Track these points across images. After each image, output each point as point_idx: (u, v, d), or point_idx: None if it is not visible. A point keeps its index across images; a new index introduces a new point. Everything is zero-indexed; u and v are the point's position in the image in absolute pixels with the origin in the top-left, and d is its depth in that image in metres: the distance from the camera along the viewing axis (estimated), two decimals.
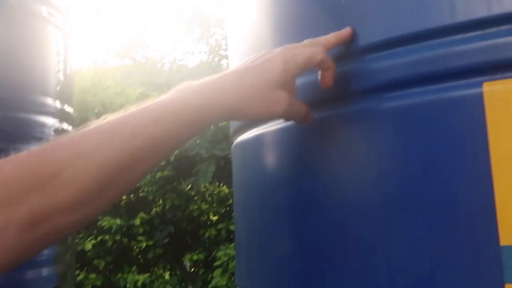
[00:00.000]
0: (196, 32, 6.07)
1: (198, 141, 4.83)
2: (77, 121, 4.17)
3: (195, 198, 5.31)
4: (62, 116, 1.80)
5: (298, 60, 0.70)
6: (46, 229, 0.57)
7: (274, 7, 0.87)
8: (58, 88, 1.77)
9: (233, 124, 1.07)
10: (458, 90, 0.62)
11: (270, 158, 0.89)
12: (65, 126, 1.83)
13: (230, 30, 1.10)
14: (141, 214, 4.87)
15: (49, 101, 1.73)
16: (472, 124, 0.60)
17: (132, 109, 0.64)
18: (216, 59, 6.01)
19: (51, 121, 1.73)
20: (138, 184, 4.94)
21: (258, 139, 0.91)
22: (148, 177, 4.79)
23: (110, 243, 4.83)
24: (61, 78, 1.78)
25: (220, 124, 4.65)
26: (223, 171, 4.89)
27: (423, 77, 0.65)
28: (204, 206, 5.26)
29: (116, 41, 5.79)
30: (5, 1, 1.54)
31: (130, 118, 0.63)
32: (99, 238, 4.81)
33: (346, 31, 0.72)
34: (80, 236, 4.79)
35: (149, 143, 0.62)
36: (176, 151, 4.78)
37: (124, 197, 5.04)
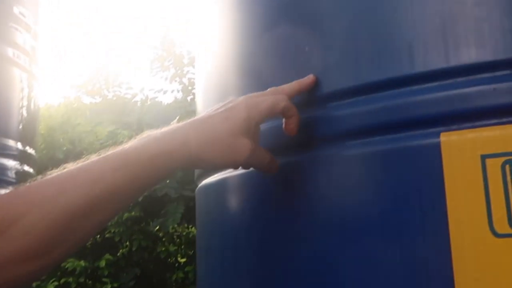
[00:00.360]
0: (170, 70, 6.09)
1: (167, 182, 4.79)
2: (44, 160, 4.09)
3: (163, 239, 5.23)
4: (23, 158, 1.77)
5: (261, 108, 0.70)
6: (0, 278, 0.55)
7: (239, 53, 0.88)
8: (20, 129, 1.75)
9: None
10: (416, 140, 0.63)
11: (233, 203, 0.88)
12: (26, 168, 1.80)
13: (197, 73, 1.11)
14: (107, 256, 4.76)
15: (11, 142, 1.70)
16: (429, 173, 0.61)
17: (93, 157, 0.64)
18: (189, 98, 6.03)
19: (11, 164, 1.70)
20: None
21: (221, 183, 0.91)
22: (115, 217, 4.70)
23: (73, 286, 4.69)
24: (24, 120, 1.76)
25: None
26: (192, 212, 4.83)
27: (382, 126, 0.66)
28: (172, 248, 5.17)
29: (86, 78, 5.76)
30: None
31: (90, 166, 0.62)
32: (62, 281, 4.67)
33: (309, 79, 0.73)
34: (43, 278, 4.65)
35: (109, 190, 0.61)
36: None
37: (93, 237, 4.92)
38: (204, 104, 1.01)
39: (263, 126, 0.76)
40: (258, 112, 0.70)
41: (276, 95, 0.72)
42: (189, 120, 0.70)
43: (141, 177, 0.64)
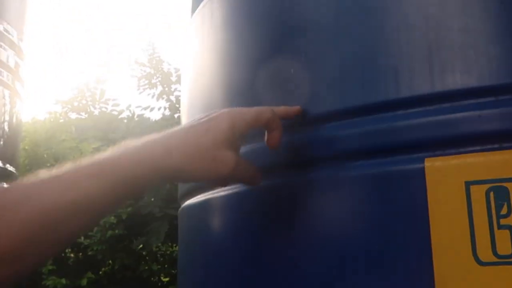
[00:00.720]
0: (157, 88, 6.07)
1: (152, 200, 4.75)
2: (28, 175, 4.06)
3: (146, 258, 5.17)
4: (3, 176, 1.74)
5: (246, 117, 0.68)
6: None
7: (226, 73, 0.88)
8: (0, 146, 1.72)
9: (181, 188, 1.05)
10: (400, 165, 0.63)
11: (216, 224, 0.87)
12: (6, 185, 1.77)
13: (182, 92, 1.10)
14: (89, 274, 4.70)
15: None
16: (413, 199, 0.61)
17: (68, 164, 0.62)
18: (176, 115, 6.01)
19: None
20: (87, 243, 4.79)
21: (204, 204, 0.89)
22: (98, 235, 4.66)
23: None
24: (4, 137, 1.74)
25: (175, 183, 4.60)
26: (177, 231, 4.79)
27: (366, 150, 0.66)
28: (155, 267, 5.11)
29: (72, 95, 5.72)
30: None
31: (62, 173, 0.60)
32: None
33: (295, 108, 0.72)
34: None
35: (83, 198, 0.59)
36: (129, 209, 4.68)
37: (72, 256, 4.87)
38: (189, 117, 1.00)
39: (246, 147, 0.75)
40: (242, 121, 0.67)
41: (262, 107, 0.70)
42: (170, 130, 0.68)
43: (117, 187, 0.61)
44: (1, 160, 1.72)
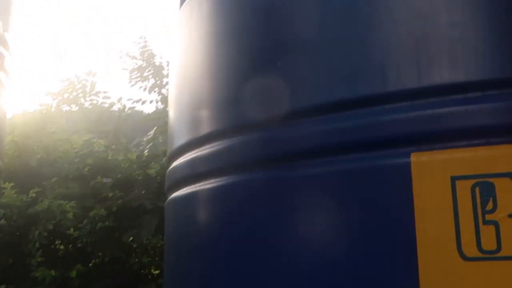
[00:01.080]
0: (149, 81, 6.04)
1: (143, 192, 4.74)
2: (17, 167, 4.02)
3: (137, 250, 5.16)
4: None
5: None
6: None
7: (213, 63, 0.87)
8: None
9: (168, 180, 1.04)
10: (385, 159, 0.63)
11: (202, 215, 0.86)
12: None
13: (170, 86, 1.09)
14: (78, 266, 4.67)
15: None
16: (398, 194, 0.60)
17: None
18: (168, 109, 5.98)
19: None
20: (76, 234, 4.77)
21: (190, 196, 0.89)
22: (88, 227, 4.63)
23: None
24: None
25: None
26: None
27: (353, 144, 0.65)
28: (146, 260, 5.10)
29: (63, 86, 5.67)
30: None
31: None
32: None
33: None
34: (11, 287, 4.55)
35: None
36: (119, 202, 4.66)
37: (61, 247, 4.84)
38: (175, 115, 1.00)
39: (234, 141, 0.75)
40: None
41: None
42: None
43: None
44: None
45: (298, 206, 0.69)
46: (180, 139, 0.95)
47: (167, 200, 1.05)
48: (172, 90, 1.05)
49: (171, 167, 1.03)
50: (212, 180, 0.80)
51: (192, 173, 0.87)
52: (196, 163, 0.85)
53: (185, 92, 0.95)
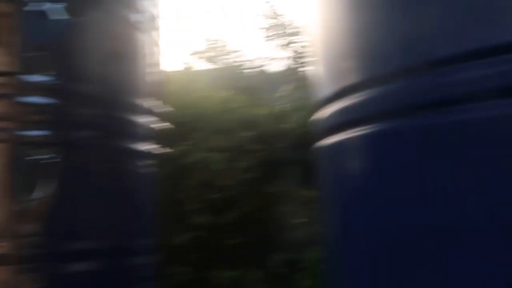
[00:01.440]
0: (283, 39, 6.13)
1: (283, 145, 4.87)
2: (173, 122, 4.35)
3: (281, 200, 5.35)
4: (160, 115, 1.94)
5: None
6: None
7: (356, 26, 0.90)
8: (149, 89, 1.90)
9: (319, 127, 1.08)
10: None
11: (351, 162, 0.90)
12: (164, 124, 1.99)
13: (314, 38, 1.11)
14: (227, 214, 4.96)
15: (146, 102, 1.86)
16: None
17: None
18: (305, 64, 6.04)
19: (144, 120, 1.85)
20: (226, 183, 5.05)
21: (340, 144, 0.94)
22: (233, 178, 4.87)
23: (201, 239, 4.94)
24: (151, 80, 1.91)
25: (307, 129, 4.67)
26: (310, 174, 4.86)
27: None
28: (290, 209, 5.28)
29: (204, 47, 5.95)
30: (102, 9, 1.66)
31: None
32: (191, 234, 4.93)
33: None
34: (173, 230, 4.94)
35: None
36: (261, 154, 4.84)
37: (216, 196, 5.14)
38: (321, 68, 1.04)
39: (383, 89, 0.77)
40: None
41: None
42: None
43: None
44: (154, 100, 1.90)
45: (453, 152, 0.71)
46: (328, 89, 0.99)
47: (320, 146, 1.09)
48: (317, 45, 1.08)
49: (317, 116, 1.07)
50: (364, 127, 0.85)
51: (342, 121, 0.92)
52: (348, 110, 0.90)
53: (332, 46, 0.99)
